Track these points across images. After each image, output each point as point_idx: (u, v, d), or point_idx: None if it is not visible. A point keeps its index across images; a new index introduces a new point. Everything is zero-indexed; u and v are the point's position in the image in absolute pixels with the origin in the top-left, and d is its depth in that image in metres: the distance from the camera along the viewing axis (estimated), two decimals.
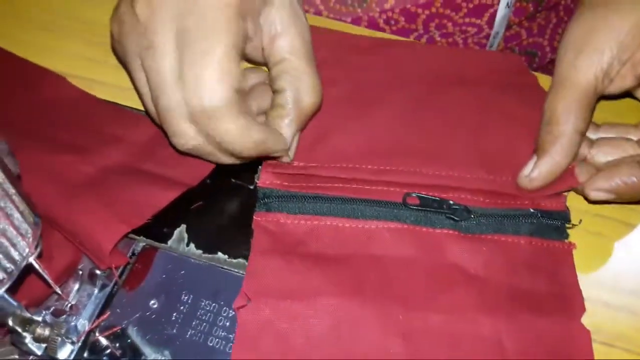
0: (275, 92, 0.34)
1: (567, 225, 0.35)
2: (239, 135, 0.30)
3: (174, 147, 0.33)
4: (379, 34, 0.44)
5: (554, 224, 0.35)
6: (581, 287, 0.33)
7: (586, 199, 0.35)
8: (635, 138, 0.37)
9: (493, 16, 0.48)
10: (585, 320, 0.32)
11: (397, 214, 0.34)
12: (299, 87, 0.33)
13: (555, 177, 0.35)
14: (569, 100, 0.34)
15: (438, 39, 0.49)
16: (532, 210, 0.35)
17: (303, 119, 0.34)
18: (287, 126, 0.34)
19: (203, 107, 0.29)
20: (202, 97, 0.29)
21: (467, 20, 0.48)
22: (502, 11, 0.47)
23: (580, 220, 0.35)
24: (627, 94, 0.38)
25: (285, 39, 0.33)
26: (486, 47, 0.51)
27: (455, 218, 0.34)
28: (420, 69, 0.41)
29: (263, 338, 0.30)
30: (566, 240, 0.35)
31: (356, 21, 0.47)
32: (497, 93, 0.40)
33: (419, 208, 0.35)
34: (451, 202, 0.35)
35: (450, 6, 0.47)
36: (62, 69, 0.40)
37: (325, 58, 0.39)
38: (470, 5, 0.47)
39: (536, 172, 0.34)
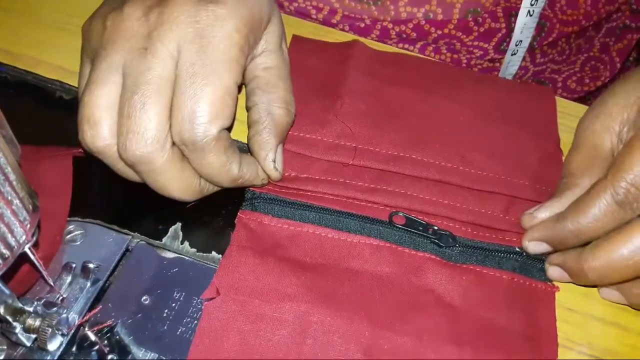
0: (249, 109, 0.35)
1: None
2: (217, 170, 0.32)
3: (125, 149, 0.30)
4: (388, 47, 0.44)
5: (539, 265, 0.34)
6: (574, 301, 0.33)
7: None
8: None
9: (500, 40, 0.49)
10: (577, 333, 0.32)
11: (381, 231, 0.34)
12: (270, 99, 0.34)
13: None
14: (586, 158, 0.35)
15: (444, 52, 0.50)
16: (517, 249, 0.34)
17: (279, 131, 0.34)
18: (265, 142, 0.34)
19: (194, 139, 0.30)
20: (195, 130, 0.30)
21: (475, 43, 0.49)
22: (522, 19, 0.47)
23: None
24: None
25: (261, 58, 0.35)
26: (491, 70, 0.52)
27: (441, 244, 0.34)
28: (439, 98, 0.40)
29: (225, 334, 0.30)
30: (550, 283, 0.34)
31: (367, 30, 0.48)
32: (513, 129, 0.39)
33: (404, 228, 0.34)
34: (436, 227, 0.34)
35: (462, 29, 0.48)
36: (65, 65, 0.41)
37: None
38: (481, 30, 0.48)
39: (544, 212, 0.34)
